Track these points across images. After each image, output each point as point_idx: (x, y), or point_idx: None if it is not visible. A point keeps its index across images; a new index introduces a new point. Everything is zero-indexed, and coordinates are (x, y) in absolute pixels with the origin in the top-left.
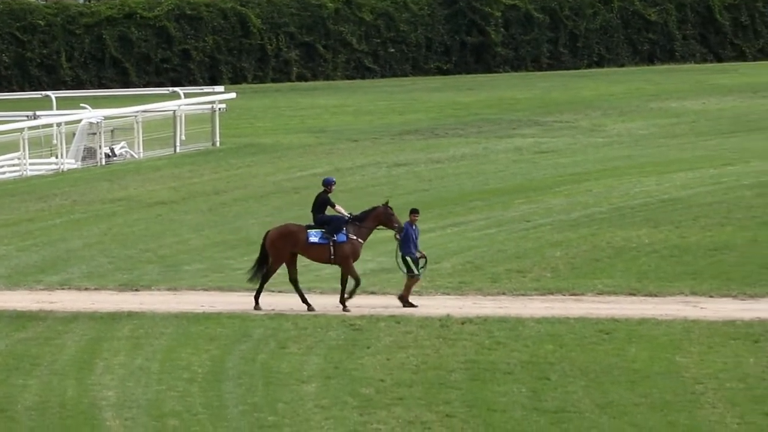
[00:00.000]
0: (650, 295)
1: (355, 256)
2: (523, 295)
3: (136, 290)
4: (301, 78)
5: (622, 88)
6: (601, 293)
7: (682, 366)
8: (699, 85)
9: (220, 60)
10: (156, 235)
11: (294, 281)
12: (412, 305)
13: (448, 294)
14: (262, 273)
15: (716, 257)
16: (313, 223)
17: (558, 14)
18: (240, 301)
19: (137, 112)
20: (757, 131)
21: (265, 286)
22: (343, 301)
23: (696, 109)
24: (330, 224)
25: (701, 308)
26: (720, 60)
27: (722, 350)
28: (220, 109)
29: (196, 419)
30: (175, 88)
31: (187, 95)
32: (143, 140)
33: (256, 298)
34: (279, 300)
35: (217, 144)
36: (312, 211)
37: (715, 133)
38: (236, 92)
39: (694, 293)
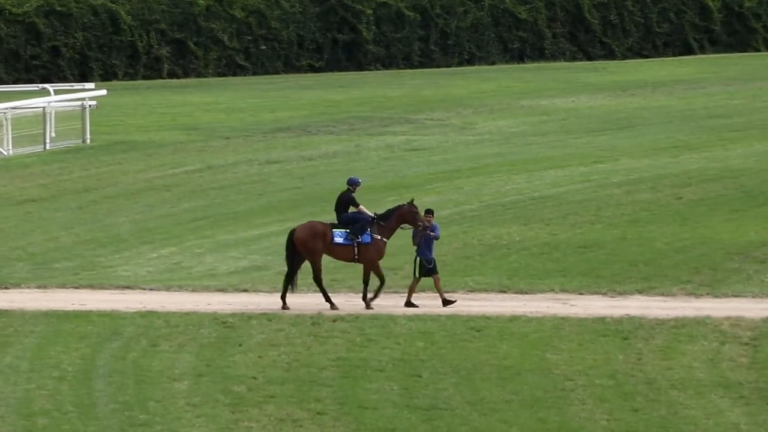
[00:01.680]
0: (521, 292)
1: (380, 255)
2: (395, 292)
3: (6, 288)
4: (172, 75)
5: (492, 86)
6: (472, 290)
7: (552, 363)
8: (569, 83)
9: (90, 57)
10: (25, 232)
11: (317, 279)
12: (413, 305)
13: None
14: (295, 275)
15: (586, 255)
16: (336, 222)
17: (429, 12)
18: (111, 298)
19: (6, 109)
20: (626, 129)
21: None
22: (365, 299)
23: (566, 107)
24: (355, 224)
25: (571, 305)
26: (589, 58)
27: (592, 347)
28: (90, 106)
29: (66, 418)
30: (45, 85)
31: (57, 92)
32: (12, 137)
33: (327, 299)
34: (150, 297)
35: (88, 141)
36: (335, 210)
37: (584, 131)
38: (107, 89)
39: (564, 290)
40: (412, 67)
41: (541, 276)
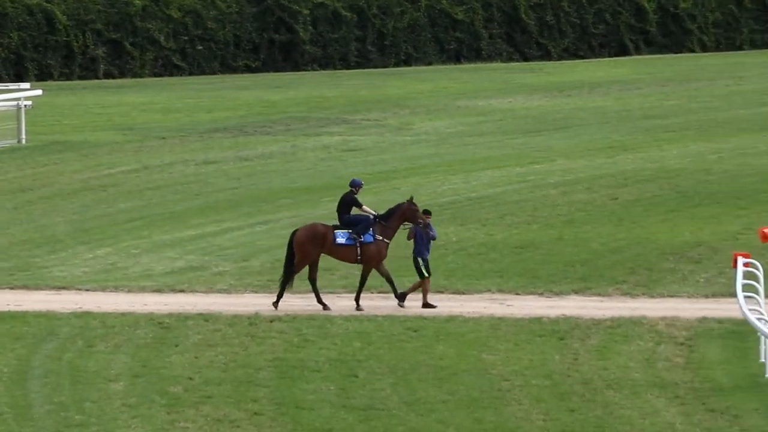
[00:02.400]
0: (458, 292)
1: (381, 256)
2: (331, 292)
3: None
4: (108, 75)
5: (429, 86)
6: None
7: (488, 363)
8: (505, 83)
9: (25, 57)
10: None
11: (313, 281)
12: (431, 306)
13: (257, 292)
14: (292, 274)
15: (522, 255)
16: (338, 223)
17: (366, 13)
18: (46, 299)
19: None
20: (562, 130)
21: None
22: (358, 300)
23: (502, 107)
24: (358, 225)
25: (508, 306)
26: (526, 59)
27: (528, 347)
28: (25, 106)
29: (1, 419)
30: None
31: None
32: None
33: (319, 300)
34: (86, 298)
35: (23, 141)
36: (337, 210)
37: (521, 131)
38: (42, 89)
39: (500, 291)
40: (348, 67)
41: (478, 276)
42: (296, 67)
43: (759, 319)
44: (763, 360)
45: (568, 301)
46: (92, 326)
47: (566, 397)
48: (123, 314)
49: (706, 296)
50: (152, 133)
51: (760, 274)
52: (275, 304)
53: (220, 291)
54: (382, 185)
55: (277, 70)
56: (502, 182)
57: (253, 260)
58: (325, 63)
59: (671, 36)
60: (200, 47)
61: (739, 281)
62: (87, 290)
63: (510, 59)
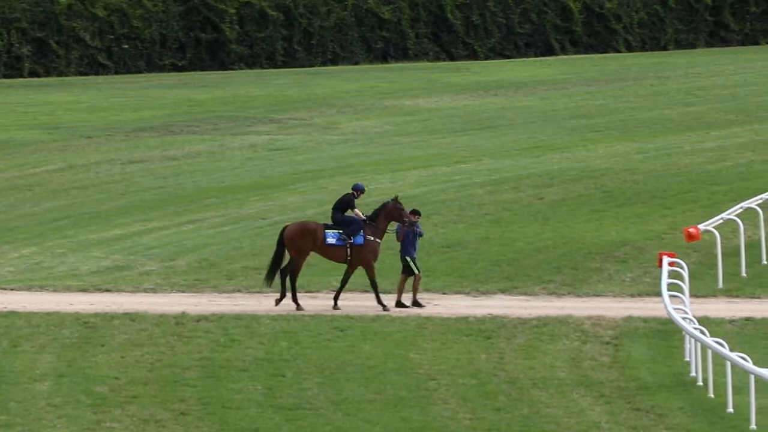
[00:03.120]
0: (384, 292)
1: (375, 257)
2: (258, 292)
3: None
4: (33, 74)
5: (356, 86)
6: (335, 290)
7: (415, 362)
8: (432, 83)
9: None
10: None
11: (293, 276)
12: (404, 305)
13: (184, 291)
14: (278, 271)
15: (449, 254)
16: (330, 222)
17: (293, 12)
18: None
19: None
20: (488, 129)
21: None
22: (380, 302)
23: (429, 107)
24: (349, 226)
25: (434, 305)
26: (452, 58)
27: (455, 346)
28: None
29: None
30: None
31: None
32: None
33: (294, 299)
34: (11, 297)
35: None
36: (332, 209)
37: (447, 131)
38: None
39: (427, 290)
40: (275, 66)
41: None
42: (223, 66)
43: (684, 318)
44: (688, 359)
45: (494, 300)
46: (17, 326)
47: (493, 396)
48: (48, 314)
49: (632, 295)
50: (78, 132)
51: (685, 274)
52: (296, 306)
53: (146, 290)
54: (309, 185)
55: (203, 69)
56: (429, 182)
57: (179, 260)
58: (251, 62)
59: (597, 36)
60: (126, 46)
61: (665, 280)
62: (12, 290)
63: (437, 59)
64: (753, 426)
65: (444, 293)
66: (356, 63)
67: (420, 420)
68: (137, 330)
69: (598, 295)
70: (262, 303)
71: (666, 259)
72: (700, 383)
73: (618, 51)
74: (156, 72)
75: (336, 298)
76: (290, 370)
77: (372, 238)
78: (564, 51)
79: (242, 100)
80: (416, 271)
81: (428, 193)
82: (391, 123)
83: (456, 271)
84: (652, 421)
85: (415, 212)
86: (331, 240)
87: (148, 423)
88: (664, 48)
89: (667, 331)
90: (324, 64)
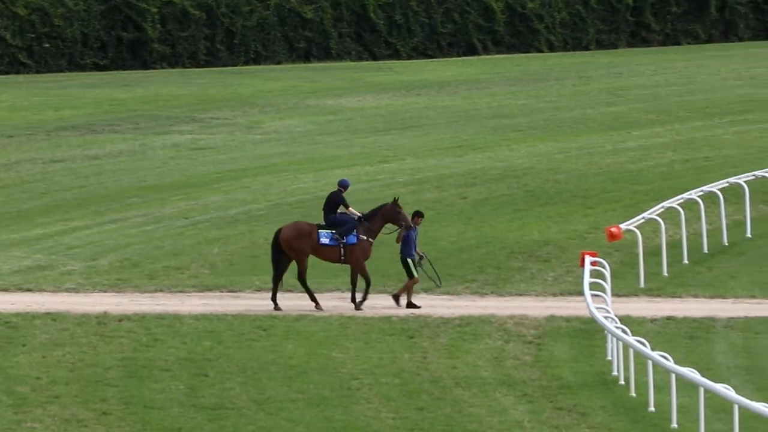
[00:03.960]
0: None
1: (366, 256)
2: (181, 291)
3: None
4: None
5: (279, 85)
6: (259, 290)
7: (338, 362)
8: (355, 83)
9: None
10: None
11: (302, 278)
12: (415, 306)
13: (106, 291)
14: (282, 274)
15: (373, 253)
16: (323, 223)
17: (215, 11)
18: None
19: None
20: (411, 129)
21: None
22: (354, 301)
23: (352, 106)
24: (342, 226)
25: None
26: (375, 58)
27: (378, 346)
28: None
29: None
30: None
31: None
32: None
33: (312, 299)
34: None
35: None
36: (323, 209)
37: (370, 130)
38: None
39: (349, 290)
40: (198, 65)
41: (328, 275)
42: (145, 66)
43: (606, 317)
44: (610, 358)
45: (417, 299)
46: None
47: (415, 395)
48: None
49: (554, 295)
50: None
51: (607, 273)
52: (275, 306)
53: (68, 290)
54: (232, 184)
55: (125, 68)
56: (352, 181)
57: (101, 259)
58: (174, 61)
59: (519, 36)
60: (47, 45)
61: (587, 280)
62: None
63: (359, 58)
64: (674, 425)
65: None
66: (279, 62)
67: (343, 419)
68: (59, 330)
69: (520, 295)
70: (185, 302)
71: (588, 259)
72: (622, 382)
73: (540, 51)
74: (77, 71)
75: (353, 300)
76: (213, 369)
77: (365, 238)
78: (486, 51)
79: (164, 100)
80: (414, 274)
81: (352, 192)
82: (314, 122)
83: (379, 270)
84: (574, 420)
85: (419, 214)
86: (324, 240)
87: (69, 423)
88: (586, 48)
89: (590, 331)
90: (247, 63)
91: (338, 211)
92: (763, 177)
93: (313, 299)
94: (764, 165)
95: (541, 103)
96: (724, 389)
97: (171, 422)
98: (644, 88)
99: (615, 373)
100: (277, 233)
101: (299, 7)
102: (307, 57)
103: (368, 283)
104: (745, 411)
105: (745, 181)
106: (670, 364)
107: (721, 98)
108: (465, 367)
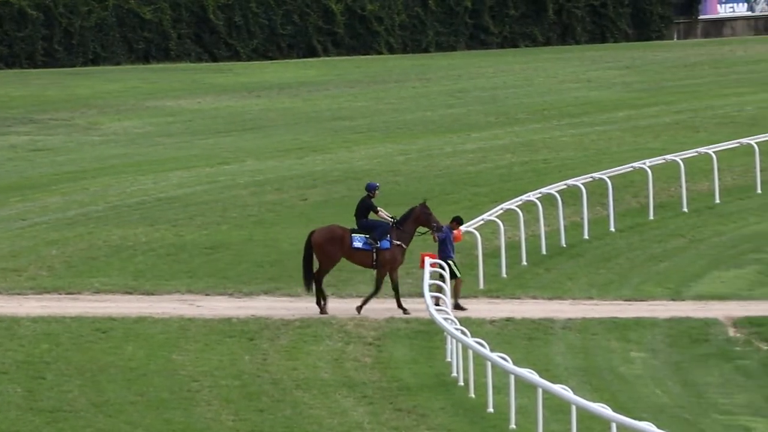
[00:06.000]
0: (147, 293)
1: (396, 261)
2: (18, 294)
3: None
4: None
5: (118, 86)
6: (98, 292)
7: (178, 364)
8: (194, 84)
9: None
10: None
11: (318, 282)
12: (461, 308)
13: None
14: (313, 276)
15: (213, 255)
16: (356, 227)
17: (52, 11)
18: None
19: None
20: (251, 131)
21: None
22: (400, 305)
23: (192, 108)
24: (376, 230)
25: (198, 306)
26: (215, 59)
27: (218, 348)
28: None
29: None
30: None
31: None
32: None
33: (319, 303)
34: None
35: None
36: (355, 215)
37: (210, 132)
38: None
39: (190, 291)
40: (35, 66)
41: (168, 277)
42: None
43: (445, 318)
44: (450, 359)
45: (257, 301)
46: None
47: (256, 397)
48: None
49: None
50: None
51: (447, 275)
52: (320, 305)
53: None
54: (70, 186)
55: None
56: (192, 183)
57: None
58: (11, 62)
59: (359, 38)
60: None
61: (426, 281)
62: None
63: (199, 59)
64: (513, 425)
65: (207, 294)
66: (118, 63)
67: (183, 422)
68: None
69: (361, 296)
70: (23, 305)
71: (428, 260)
72: (461, 383)
73: (380, 53)
74: None
75: (399, 305)
76: (51, 372)
77: (398, 243)
78: (326, 52)
79: (1, 101)
80: (458, 274)
81: (191, 194)
82: (153, 124)
83: (219, 272)
84: (414, 421)
85: (457, 219)
86: (357, 244)
87: None
88: (426, 50)
89: (429, 332)
90: (85, 64)
91: (369, 216)
92: (601, 179)
93: (319, 303)
94: (601, 167)
95: (381, 105)
96: (562, 390)
97: (8, 425)
98: (483, 90)
99: (454, 374)
100: (310, 236)
101: (138, 7)
102: (146, 58)
103: (376, 291)
104: (582, 411)
105: (582, 183)
106: (509, 365)
107: (559, 100)
108: (305, 368)
